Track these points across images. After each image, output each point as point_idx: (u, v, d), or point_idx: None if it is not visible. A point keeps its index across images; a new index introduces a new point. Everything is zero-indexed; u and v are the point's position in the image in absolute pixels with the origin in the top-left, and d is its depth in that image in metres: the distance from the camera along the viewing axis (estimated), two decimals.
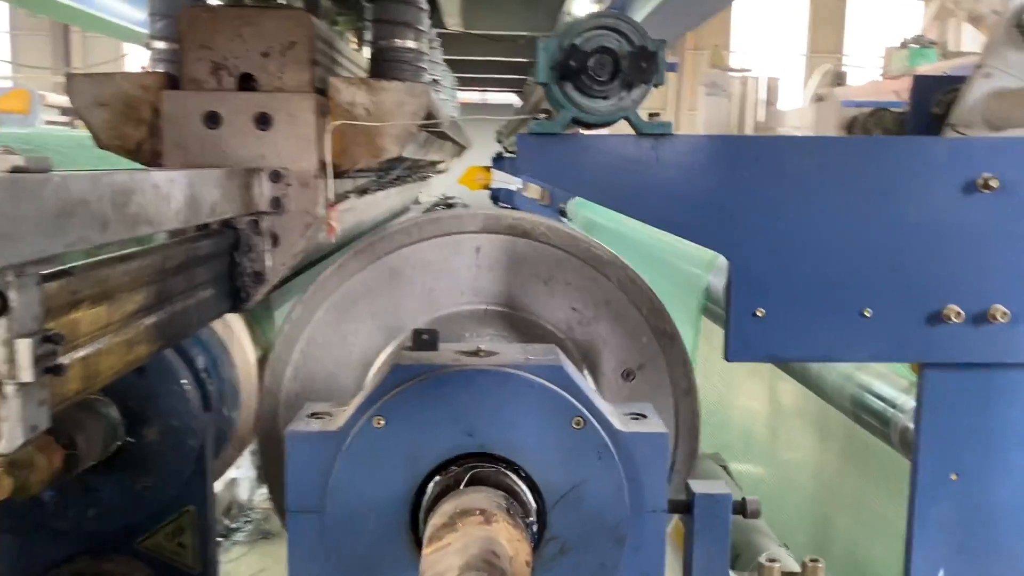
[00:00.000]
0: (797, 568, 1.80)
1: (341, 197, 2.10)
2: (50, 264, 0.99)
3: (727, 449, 3.58)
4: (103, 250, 1.32)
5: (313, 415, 1.57)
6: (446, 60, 6.18)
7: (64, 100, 16.74)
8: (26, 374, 0.92)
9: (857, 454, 2.99)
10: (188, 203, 1.37)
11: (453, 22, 5.51)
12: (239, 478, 5.02)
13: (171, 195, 1.29)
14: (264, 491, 5.12)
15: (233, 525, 4.88)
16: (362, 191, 2.33)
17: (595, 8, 5.84)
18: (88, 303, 1.12)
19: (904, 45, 16.47)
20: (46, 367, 0.95)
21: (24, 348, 0.92)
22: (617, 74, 1.62)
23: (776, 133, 16.51)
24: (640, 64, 1.61)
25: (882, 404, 2.30)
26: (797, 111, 19.32)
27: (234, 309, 1.81)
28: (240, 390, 2.11)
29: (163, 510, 1.85)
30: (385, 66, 2.31)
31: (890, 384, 2.34)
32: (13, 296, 0.91)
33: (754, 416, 3.87)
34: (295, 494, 1.50)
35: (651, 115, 1.69)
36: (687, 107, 27.48)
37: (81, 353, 1.10)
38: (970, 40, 16.81)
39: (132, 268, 1.27)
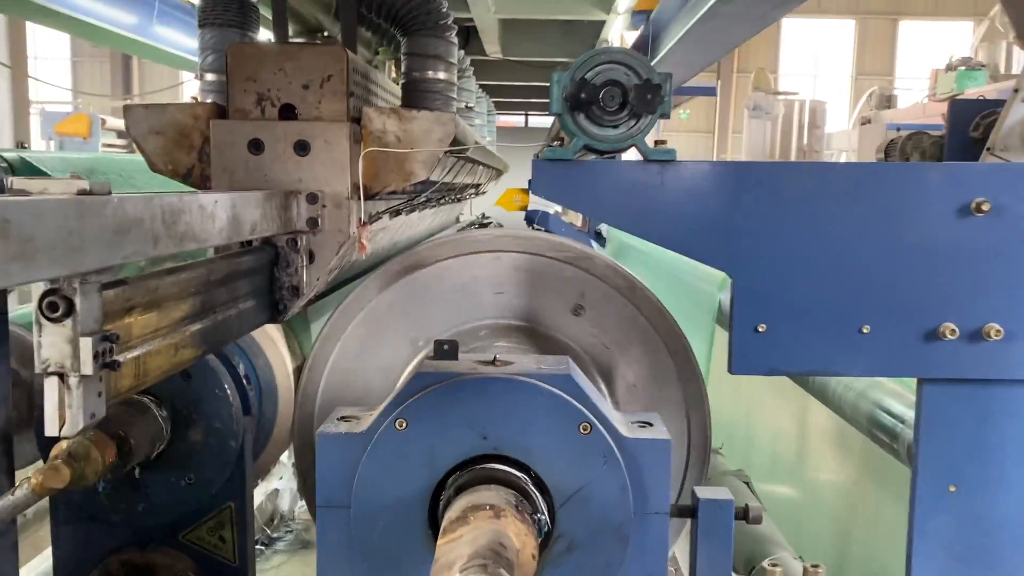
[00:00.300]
0: (799, 573, 1.89)
1: (374, 218, 2.25)
2: (109, 274, 1.14)
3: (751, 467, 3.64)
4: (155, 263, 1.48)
5: (342, 418, 1.70)
6: (486, 86, 6.35)
7: (122, 124, 17.37)
8: (88, 368, 1.07)
9: (881, 474, 3.03)
10: (231, 222, 1.52)
11: (492, 50, 5.69)
12: (281, 489, 5.18)
13: (215, 215, 1.44)
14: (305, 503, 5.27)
15: (275, 535, 5.04)
16: (395, 212, 2.48)
17: (631, 34, 5.97)
18: (140, 309, 1.27)
19: (952, 67, 16.29)
20: (104, 362, 1.10)
21: (86, 345, 1.07)
22: (625, 105, 1.75)
23: (821, 156, 16.43)
24: (646, 96, 1.73)
25: (892, 420, 2.37)
26: (844, 134, 19.20)
27: (273, 320, 1.96)
28: (278, 396, 2.26)
29: (205, 506, 1.99)
30: (417, 96, 2.46)
31: (901, 401, 2.41)
32: (78, 301, 1.06)
33: (780, 435, 3.93)
34: (324, 490, 1.63)
35: (657, 142, 1.81)
36: (733, 129, 27.47)
37: (133, 353, 1.25)
38: (1021, 62, 16.55)
39: (180, 280, 1.43)
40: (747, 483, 3.24)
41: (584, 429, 1.60)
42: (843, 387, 2.70)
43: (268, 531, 4.97)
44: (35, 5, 6.17)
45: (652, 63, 4.71)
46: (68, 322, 1.07)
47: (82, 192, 1.05)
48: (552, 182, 1.82)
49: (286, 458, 5.25)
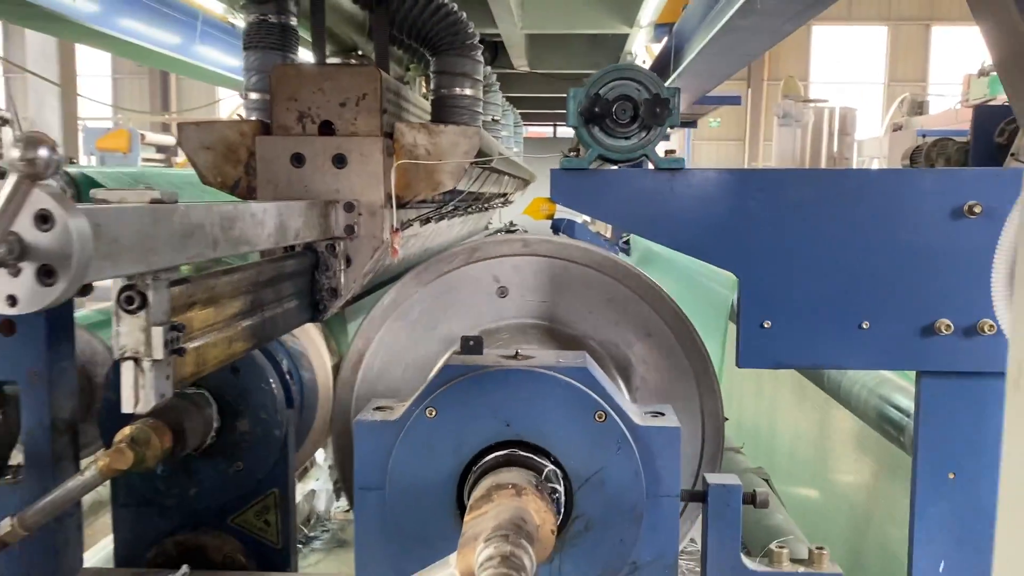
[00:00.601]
0: (805, 555, 2.00)
1: (406, 225, 2.41)
2: (174, 273, 1.30)
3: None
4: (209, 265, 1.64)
5: (377, 408, 1.85)
6: (514, 98, 6.51)
7: (160, 139, 17.80)
8: (159, 353, 1.23)
9: (895, 471, 3.12)
10: (278, 229, 1.69)
11: (520, 63, 5.85)
12: (317, 490, 5.35)
13: (264, 222, 1.61)
14: (340, 504, 5.42)
15: (312, 534, 5.21)
16: (425, 220, 2.64)
17: (654, 46, 6.11)
18: (200, 305, 1.43)
19: (984, 72, 16.17)
20: (172, 349, 1.26)
21: (158, 334, 1.23)
22: (636, 118, 1.89)
23: (851, 163, 16.38)
24: (655, 109, 1.87)
25: (899, 414, 2.48)
26: (875, 141, 19.09)
27: (314, 319, 2.12)
28: (318, 391, 2.42)
29: (252, 492, 2.15)
30: (445, 111, 2.62)
31: (907, 396, 2.51)
32: (151, 295, 1.23)
33: (800, 438, 4.02)
34: (361, 474, 1.77)
35: (667, 152, 1.95)
36: (764, 137, 27.43)
37: (195, 344, 1.42)
38: None
39: (233, 280, 1.59)
40: (766, 480, 3.34)
41: (599, 417, 1.73)
42: (858, 386, 2.80)
43: (305, 530, 5.14)
44: (86, 28, 6.48)
45: (675, 73, 4.82)
46: (142, 314, 1.23)
47: (155, 201, 1.21)
48: (569, 190, 1.96)
49: (322, 460, 5.44)
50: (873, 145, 18.78)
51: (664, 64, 5.50)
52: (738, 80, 27.39)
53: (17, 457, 1.98)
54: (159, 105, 27.71)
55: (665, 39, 5.58)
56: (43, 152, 0.92)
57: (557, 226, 5.99)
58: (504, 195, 4.42)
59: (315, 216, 1.96)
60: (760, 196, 1.93)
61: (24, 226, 0.95)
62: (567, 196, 1.97)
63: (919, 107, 18.41)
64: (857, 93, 27.57)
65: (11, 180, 0.92)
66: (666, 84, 1.88)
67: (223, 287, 1.54)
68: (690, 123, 10.98)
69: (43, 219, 0.96)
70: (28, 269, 0.96)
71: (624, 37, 5.30)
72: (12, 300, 0.96)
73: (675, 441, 1.76)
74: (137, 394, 1.24)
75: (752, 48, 3.94)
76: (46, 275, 0.97)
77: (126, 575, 2.00)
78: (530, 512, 1.58)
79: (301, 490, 5.26)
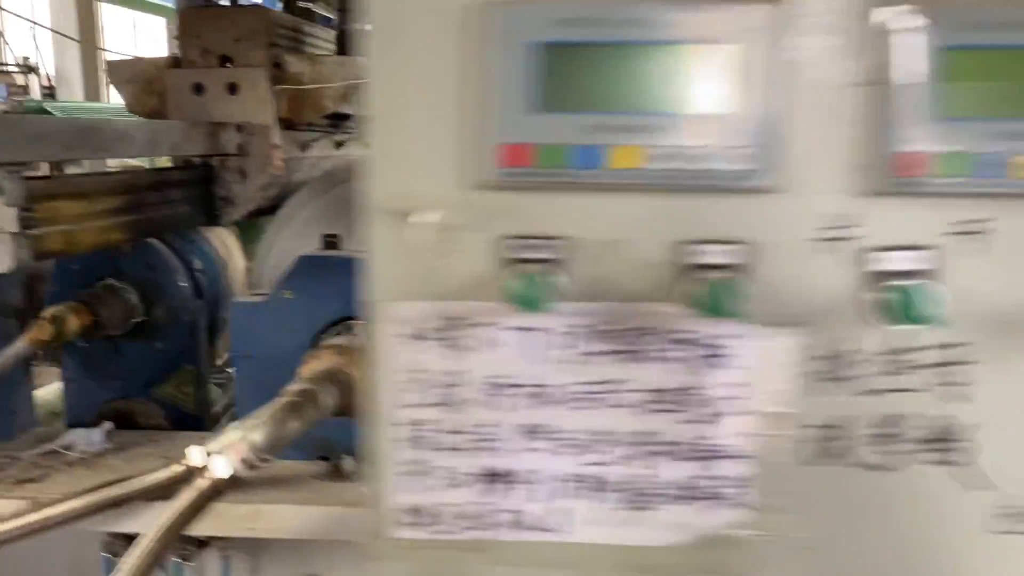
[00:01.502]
0: None
1: (305, 145, 2.79)
2: (30, 169, 1.71)
3: None
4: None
5: (253, 293, 2.26)
6: None
7: None
8: (11, 227, 1.64)
9: None
10: (149, 142, 2.08)
11: None
12: None
13: (131, 136, 2.00)
14: None
15: None
16: (338, 143, 3.02)
17: None
18: (66, 197, 1.84)
19: None
20: (25, 226, 1.67)
21: (12, 213, 1.64)
22: None
23: None
24: None
25: None
26: None
27: (212, 223, 2.53)
28: (231, 288, 2.84)
29: (171, 368, 2.58)
30: (346, 44, 2.97)
31: None
32: (5, 184, 1.64)
33: None
34: (237, 345, 2.19)
35: None
36: None
37: (61, 228, 1.83)
38: None
39: (107, 181, 2.00)
40: None
41: None
42: None
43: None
44: None
45: None
46: (2, 199, 1.64)
47: (6, 112, 1.61)
48: None
49: None
50: None
51: None
52: None
53: None
54: None
55: None
56: None
57: None
58: None
59: (199, 135, 2.36)
60: None
61: None
62: None
63: None
64: None
65: None
66: None
67: (90, 185, 1.95)
68: None
69: None
70: None
71: None
72: None
73: None
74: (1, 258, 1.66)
75: None
76: None
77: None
78: (348, 366, 1.98)
79: None
